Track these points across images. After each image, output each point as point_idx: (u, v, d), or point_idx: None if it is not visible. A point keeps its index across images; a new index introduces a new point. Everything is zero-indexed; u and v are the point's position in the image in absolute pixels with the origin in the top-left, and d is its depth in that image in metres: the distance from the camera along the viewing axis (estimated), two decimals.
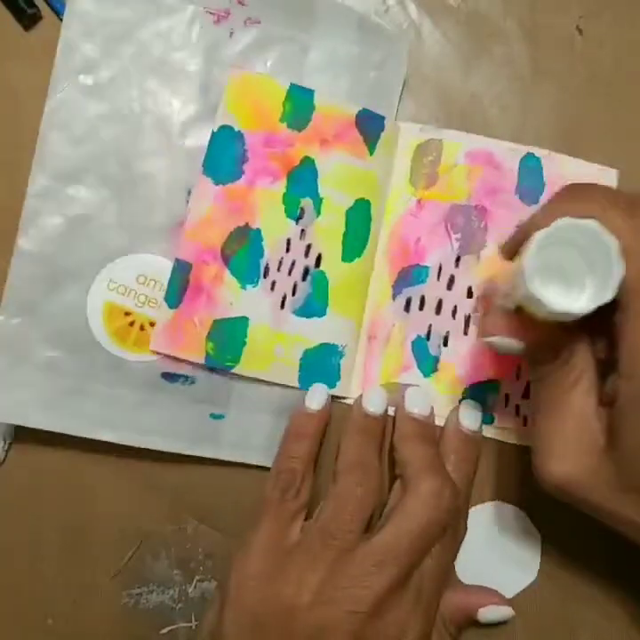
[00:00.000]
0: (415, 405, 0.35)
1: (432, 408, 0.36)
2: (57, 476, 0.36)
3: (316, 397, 0.35)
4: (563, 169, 0.38)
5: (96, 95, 0.36)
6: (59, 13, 0.37)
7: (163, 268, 0.36)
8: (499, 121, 0.39)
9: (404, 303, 0.37)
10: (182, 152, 0.36)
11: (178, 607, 0.36)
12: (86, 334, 0.36)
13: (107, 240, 0.36)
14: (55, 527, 0.36)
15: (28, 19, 0.37)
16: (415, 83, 0.39)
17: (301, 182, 0.36)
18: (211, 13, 0.37)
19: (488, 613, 0.33)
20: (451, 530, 0.32)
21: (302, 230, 0.36)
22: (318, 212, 0.36)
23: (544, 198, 0.38)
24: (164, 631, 0.36)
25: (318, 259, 0.36)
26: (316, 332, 0.36)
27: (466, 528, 0.34)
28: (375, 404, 0.35)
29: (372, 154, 0.37)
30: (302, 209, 0.36)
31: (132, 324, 0.36)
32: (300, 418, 0.35)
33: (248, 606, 0.31)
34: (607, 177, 0.38)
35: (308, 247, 0.36)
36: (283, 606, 0.30)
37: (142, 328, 0.36)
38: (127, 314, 0.36)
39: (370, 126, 0.37)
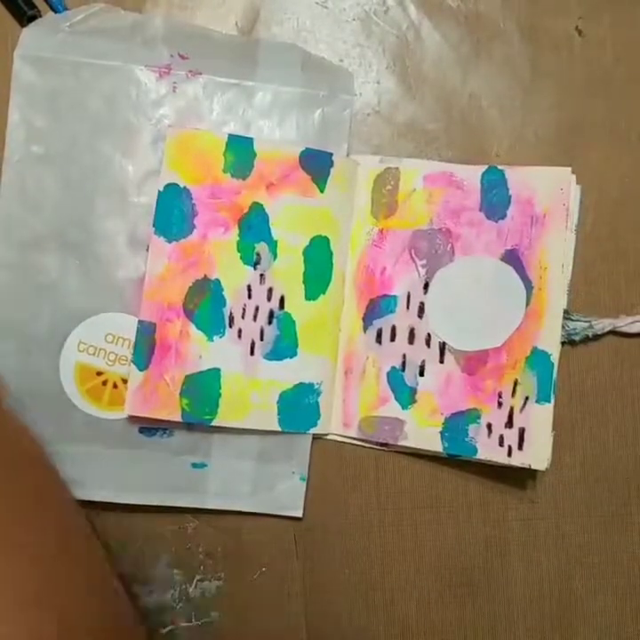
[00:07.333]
0: None
1: None
2: None
3: None
4: (526, 178, 0.36)
5: (49, 163, 0.36)
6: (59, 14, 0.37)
7: (130, 324, 0.36)
8: (498, 121, 0.39)
9: (375, 335, 0.37)
10: (140, 209, 0.36)
11: (178, 607, 0.37)
12: (61, 397, 0.36)
13: (73, 303, 0.36)
14: None
15: (27, 19, 0.37)
16: (415, 84, 0.39)
17: (253, 228, 0.36)
18: (153, 71, 0.37)
19: None
20: None
21: (261, 275, 0.36)
22: (275, 256, 0.36)
23: (511, 211, 0.36)
24: (164, 631, 0.37)
25: (282, 301, 0.36)
26: (289, 373, 0.36)
27: None
28: None
29: (322, 191, 0.36)
30: (258, 254, 0.36)
31: (105, 383, 0.36)
32: None
33: None
34: (564, 176, 0.36)
35: (270, 291, 0.36)
36: None
37: (115, 386, 0.36)
38: (99, 373, 0.36)
39: (316, 164, 0.36)
